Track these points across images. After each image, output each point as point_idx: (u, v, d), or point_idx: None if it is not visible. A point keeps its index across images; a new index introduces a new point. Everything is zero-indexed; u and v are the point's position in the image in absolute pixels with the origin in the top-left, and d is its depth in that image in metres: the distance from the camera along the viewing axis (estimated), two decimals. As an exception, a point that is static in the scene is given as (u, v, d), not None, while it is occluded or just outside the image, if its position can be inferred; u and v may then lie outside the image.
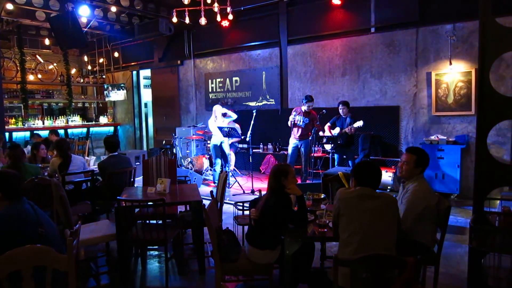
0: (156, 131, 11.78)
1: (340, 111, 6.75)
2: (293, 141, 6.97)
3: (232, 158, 7.95)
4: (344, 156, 6.91)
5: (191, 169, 7.90)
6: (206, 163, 8.39)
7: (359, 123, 6.41)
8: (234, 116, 7.67)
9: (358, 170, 2.68)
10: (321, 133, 6.96)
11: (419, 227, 2.88)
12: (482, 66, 2.81)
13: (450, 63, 6.50)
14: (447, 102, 6.67)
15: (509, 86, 6.14)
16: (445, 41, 6.57)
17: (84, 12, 8.18)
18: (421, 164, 3.01)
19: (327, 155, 7.35)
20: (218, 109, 7.60)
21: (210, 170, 8.24)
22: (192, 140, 8.80)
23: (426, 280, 3.24)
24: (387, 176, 6.41)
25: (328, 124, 6.89)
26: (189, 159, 8.19)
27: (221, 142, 7.41)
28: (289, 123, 6.95)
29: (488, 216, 3.08)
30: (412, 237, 2.85)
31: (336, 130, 6.76)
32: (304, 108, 6.80)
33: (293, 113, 6.93)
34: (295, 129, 6.92)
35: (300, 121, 6.82)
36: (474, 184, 2.90)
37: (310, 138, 6.84)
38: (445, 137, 6.40)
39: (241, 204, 4.14)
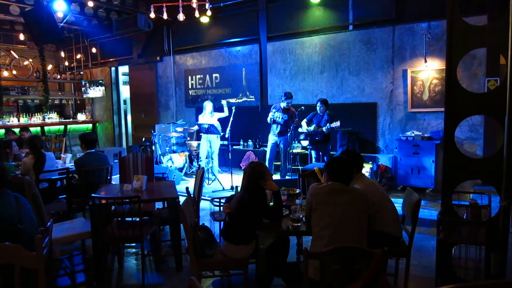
0: (135, 128, 11.67)
1: (318, 108, 6.80)
2: (272, 138, 7.01)
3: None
4: (320, 153, 6.97)
5: (171, 166, 7.86)
6: (186, 160, 8.36)
7: (337, 124, 6.42)
8: (226, 113, 7.60)
9: (331, 165, 2.73)
10: (300, 129, 7.02)
11: (378, 218, 2.95)
12: (449, 63, 2.90)
13: (425, 61, 6.65)
14: (423, 99, 6.82)
15: (482, 83, 6.32)
16: (421, 39, 6.71)
17: (59, 7, 8.00)
18: (354, 165, 3.09)
19: (306, 151, 7.42)
20: (208, 105, 7.58)
21: (191, 167, 8.23)
22: (172, 137, 8.75)
23: (398, 272, 3.34)
24: (364, 171, 6.51)
25: (305, 120, 6.95)
26: (169, 156, 8.14)
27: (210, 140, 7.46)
28: (268, 119, 6.99)
29: (457, 209, 3.18)
30: (374, 228, 2.92)
31: (312, 127, 6.83)
32: (283, 104, 6.84)
33: (272, 110, 6.97)
34: (274, 126, 6.97)
35: (279, 117, 6.86)
36: (442, 178, 2.99)
37: (289, 135, 6.89)
38: (420, 133, 6.55)
39: (217, 200, 4.16)
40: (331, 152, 7.03)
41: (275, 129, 6.96)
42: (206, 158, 7.51)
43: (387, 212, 3.01)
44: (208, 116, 7.51)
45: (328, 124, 6.50)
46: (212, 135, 7.34)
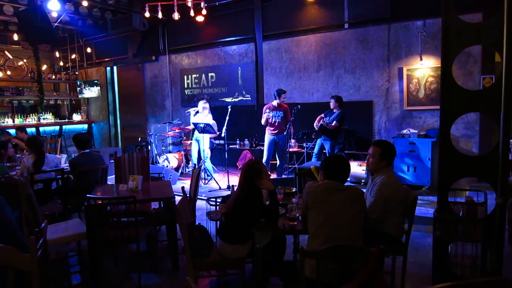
0: (123, 128, 11.68)
1: (330, 105, 6.78)
2: (269, 137, 6.99)
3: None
4: (324, 151, 6.95)
5: (167, 166, 7.83)
6: (182, 159, 8.34)
7: (330, 121, 6.54)
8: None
9: (327, 164, 2.72)
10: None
11: (387, 219, 2.95)
12: (445, 61, 2.89)
13: (421, 59, 6.65)
14: (418, 97, 6.83)
15: (477, 81, 6.33)
16: (416, 37, 6.71)
17: (53, 6, 7.92)
18: (386, 157, 3.07)
19: (302, 150, 7.41)
20: (201, 105, 7.57)
21: (187, 167, 8.21)
22: (168, 136, 8.72)
23: (395, 270, 3.33)
24: (360, 169, 6.53)
25: (321, 115, 6.85)
26: (165, 156, 8.12)
27: (197, 138, 7.43)
28: (263, 121, 6.92)
29: (453, 206, 3.18)
30: (379, 229, 2.92)
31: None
32: (275, 102, 6.83)
33: (266, 110, 6.92)
34: (271, 125, 6.95)
35: (275, 116, 6.86)
36: (438, 175, 2.99)
37: (285, 133, 6.89)
38: (416, 131, 6.55)
39: (213, 199, 4.14)
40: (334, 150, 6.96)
41: (272, 128, 6.94)
42: (200, 159, 7.51)
43: (398, 216, 3.01)
44: (203, 115, 7.51)
45: (326, 119, 6.52)
46: (200, 134, 7.34)
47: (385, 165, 3.09)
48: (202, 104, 7.54)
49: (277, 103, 6.82)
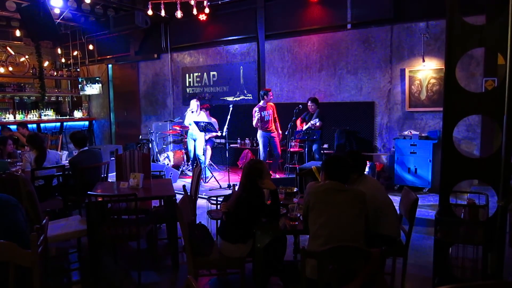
0: (118, 126, 11.71)
1: (309, 107, 6.96)
2: (264, 134, 7.18)
3: (208, 153, 7.92)
4: (313, 151, 7.02)
5: (168, 164, 7.83)
6: (183, 158, 8.34)
7: (315, 122, 6.78)
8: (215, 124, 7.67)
9: (327, 164, 2.71)
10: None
11: (381, 221, 2.94)
12: (448, 62, 2.88)
13: (423, 60, 6.65)
14: (420, 98, 6.82)
15: (479, 83, 6.32)
16: (419, 38, 6.70)
17: (56, 3, 7.93)
18: (356, 171, 3.04)
19: (303, 150, 7.43)
20: (194, 103, 7.58)
21: (187, 165, 8.20)
22: (169, 134, 8.71)
23: (395, 271, 3.33)
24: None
25: (300, 118, 7.08)
26: (166, 154, 8.11)
27: (194, 138, 7.45)
28: (254, 122, 7.12)
29: (455, 208, 3.17)
30: (377, 231, 2.92)
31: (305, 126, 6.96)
32: (262, 102, 7.09)
33: (256, 109, 7.12)
34: (263, 124, 7.14)
35: (266, 116, 7.10)
36: (440, 177, 2.98)
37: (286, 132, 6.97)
38: (417, 133, 6.55)
39: (214, 198, 4.14)
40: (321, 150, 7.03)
41: (265, 127, 7.15)
42: (198, 158, 7.52)
43: (390, 216, 3.00)
44: (195, 115, 7.53)
45: (313, 121, 6.74)
46: (197, 133, 7.34)
47: (357, 177, 3.06)
48: (195, 102, 7.58)
49: (265, 103, 7.07)
